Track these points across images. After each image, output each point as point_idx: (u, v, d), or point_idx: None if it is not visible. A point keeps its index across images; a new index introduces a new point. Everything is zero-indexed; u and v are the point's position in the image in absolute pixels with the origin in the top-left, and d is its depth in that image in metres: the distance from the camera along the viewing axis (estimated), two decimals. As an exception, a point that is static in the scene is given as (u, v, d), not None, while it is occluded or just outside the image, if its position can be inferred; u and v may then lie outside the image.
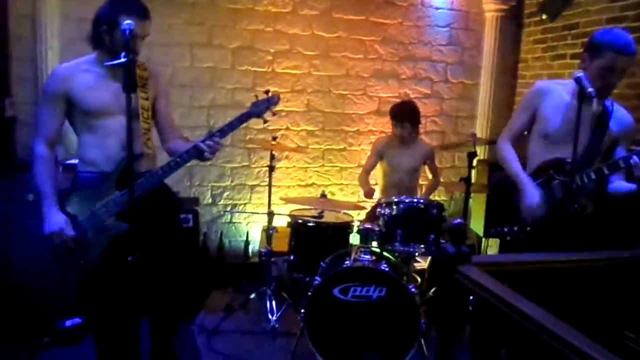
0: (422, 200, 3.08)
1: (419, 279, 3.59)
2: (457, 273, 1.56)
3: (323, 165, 4.45)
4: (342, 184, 4.51)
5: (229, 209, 4.26)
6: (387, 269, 2.74)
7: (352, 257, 2.88)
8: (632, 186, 2.18)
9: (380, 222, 3.01)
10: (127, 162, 2.22)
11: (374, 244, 3.05)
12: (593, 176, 2.16)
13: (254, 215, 4.28)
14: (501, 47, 4.57)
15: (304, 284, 3.52)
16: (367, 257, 2.87)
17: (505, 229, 2.44)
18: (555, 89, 2.38)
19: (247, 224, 4.33)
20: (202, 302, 3.57)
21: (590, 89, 2.00)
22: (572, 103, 2.28)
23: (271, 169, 3.45)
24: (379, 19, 4.32)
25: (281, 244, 3.71)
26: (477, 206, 4.08)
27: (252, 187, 4.30)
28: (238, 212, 4.25)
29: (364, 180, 3.90)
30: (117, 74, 2.21)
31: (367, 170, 3.94)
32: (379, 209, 3.06)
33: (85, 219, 2.18)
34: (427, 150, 3.90)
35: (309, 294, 2.93)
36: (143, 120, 2.34)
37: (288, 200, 3.59)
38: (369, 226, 2.97)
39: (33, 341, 3.01)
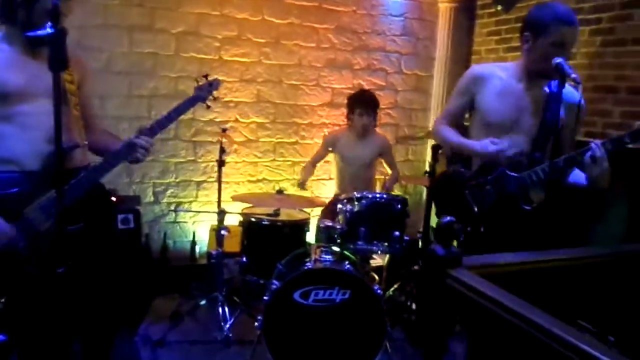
0: (384, 196, 2.91)
1: (377, 278, 3.44)
2: (448, 277, 1.39)
3: (274, 160, 4.21)
4: (294, 179, 4.27)
5: (173, 207, 3.93)
6: (351, 270, 2.55)
7: (313, 258, 2.67)
8: (582, 179, 2.02)
9: (341, 219, 2.82)
10: (57, 156, 1.93)
11: (333, 242, 2.86)
12: (541, 174, 1.99)
13: (200, 214, 3.98)
14: (455, 38, 4.49)
15: (258, 287, 3.31)
16: (329, 257, 2.67)
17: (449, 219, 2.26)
18: (495, 74, 2.18)
19: (193, 224, 4.02)
20: (145, 309, 3.25)
21: (574, 75, 1.87)
22: (513, 87, 2.14)
23: (221, 163, 3.18)
24: (332, 6, 4.11)
25: (232, 244, 3.46)
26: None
27: (199, 183, 4.00)
28: (186, 210, 3.93)
29: (307, 170, 3.76)
30: (34, 52, 1.91)
31: (314, 161, 3.79)
32: (339, 205, 2.87)
33: (15, 226, 1.84)
34: (382, 143, 3.76)
35: (266, 298, 2.70)
36: (73, 106, 2.02)
37: (241, 199, 3.32)
38: (330, 224, 2.77)
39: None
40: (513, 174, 2.04)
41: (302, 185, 3.69)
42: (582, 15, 3.44)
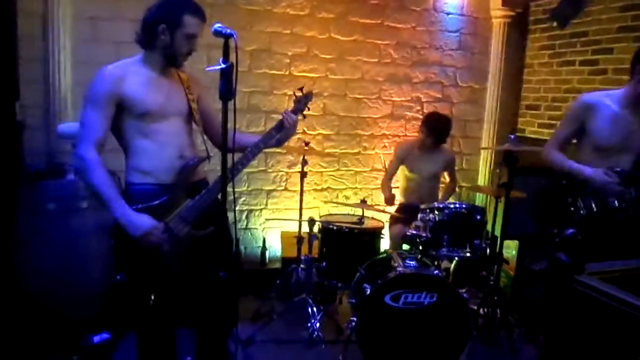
0: (464, 205, 3.09)
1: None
2: (575, 282, 1.57)
3: (338, 169, 4.42)
4: (356, 187, 4.49)
5: (244, 215, 4.16)
6: (439, 274, 2.74)
7: (399, 263, 2.86)
8: None
9: (424, 228, 3.01)
10: (190, 169, 2.17)
11: (405, 247, 3.05)
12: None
13: (270, 221, 4.21)
14: (508, 52, 4.66)
15: (333, 290, 3.51)
16: (413, 262, 2.86)
17: (555, 231, 2.48)
18: (603, 102, 2.43)
19: (262, 230, 4.24)
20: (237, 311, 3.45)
21: None
22: (621, 113, 2.37)
23: (303, 174, 3.39)
24: (393, 23, 4.32)
25: (292, 250, 3.65)
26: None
27: (269, 192, 4.22)
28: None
29: (386, 185, 3.90)
30: (168, 75, 2.16)
31: (390, 175, 3.94)
32: (421, 215, 3.06)
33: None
34: (448, 157, 3.94)
35: (353, 301, 2.91)
36: (197, 123, 2.27)
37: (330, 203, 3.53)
38: (415, 232, 2.97)
39: (59, 359, 2.84)
40: (616, 187, 2.24)
41: (389, 201, 3.81)
42: (639, 33, 3.60)
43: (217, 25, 1.79)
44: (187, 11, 2.03)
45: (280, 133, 2.32)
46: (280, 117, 2.36)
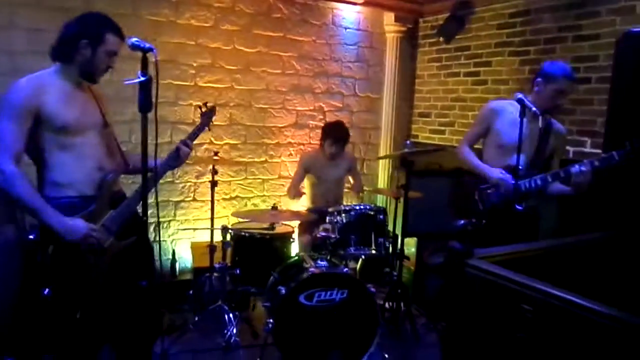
0: (368, 207, 3.33)
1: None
2: (467, 266, 1.81)
3: (246, 178, 4.50)
4: (264, 195, 4.60)
5: (153, 227, 4.09)
6: (348, 272, 2.93)
7: (310, 264, 3.01)
8: (567, 189, 2.66)
9: (332, 229, 3.19)
10: (111, 181, 2.18)
11: (326, 250, 3.22)
12: (539, 182, 2.63)
13: (179, 232, 4.19)
14: (400, 64, 5.04)
15: (246, 296, 3.59)
16: (324, 262, 3.03)
17: (467, 222, 2.83)
18: (506, 108, 2.84)
19: (172, 242, 4.21)
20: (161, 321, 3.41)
21: (534, 109, 2.42)
22: (518, 119, 2.73)
23: (214, 184, 3.44)
24: (295, 36, 4.51)
25: (203, 260, 3.69)
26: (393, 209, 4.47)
27: (177, 203, 4.20)
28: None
29: (292, 192, 4.07)
30: (82, 89, 2.18)
31: (295, 184, 4.11)
32: (329, 217, 3.24)
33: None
34: (350, 160, 4.20)
35: (267, 305, 3.01)
36: (114, 137, 2.30)
37: (241, 215, 3.60)
38: (325, 234, 3.14)
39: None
40: (511, 181, 2.60)
41: (296, 197, 4.08)
42: (513, 48, 4.11)
43: (134, 39, 1.86)
44: (108, 29, 2.11)
45: (175, 162, 2.40)
46: (185, 127, 2.45)
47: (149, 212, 4.05)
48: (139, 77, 1.81)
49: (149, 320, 2.37)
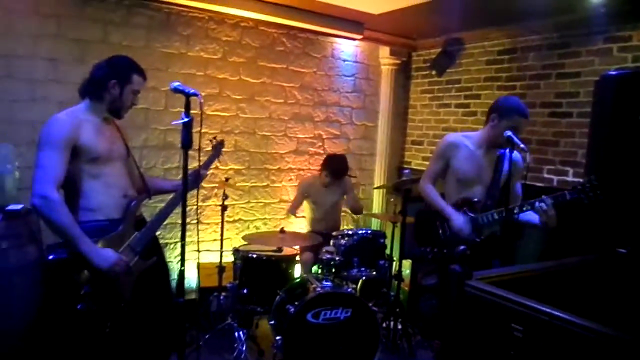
0: (369, 231, 3.56)
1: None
2: (466, 286, 2.04)
3: (249, 202, 4.71)
4: (265, 218, 4.81)
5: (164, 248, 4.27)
6: (352, 292, 3.14)
7: (316, 285, 3.21)
8: (535, 220, 2.73)
9: (336, 252, 3.41)
10: (135, 207, 2.40)
11: (329, 271, 3.43)
12: (495, 216, 2.75)
13: (186, 254, 4.35)
14: (395, 95, 5.33)
15: (250, 315, 3.75)
16: (329, 283, 3.23)
17: (427, 249, 2.99)
18: (463, 143, 2.94)
19: (177, 262, 4.38)
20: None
21: (522, 145, 2.63)
22: (476, 152, 2.91)
23: (224, 208, 3.64)
24: (297, 68, 4.78)
25: (210, 280, 3.88)
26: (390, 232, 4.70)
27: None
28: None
29: (291, 212, 4.32)
30: (109, 122, 2.40)
31: (293, 210, 4.35)
32: (334, 240, 3.46)
33: None
34: (346, 184, 4.44)
35: (272, 322, 3.19)
36: (137, 166, 2.52)
37: (249, 238, 3.77)
38: (329, 256, 3.35)
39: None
40: (470, 214, 2.80)
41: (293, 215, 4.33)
42: (501, 82, 4.41)
43: (176, 84, 2.08)
44: (134, 70, 2.39)
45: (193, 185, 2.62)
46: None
47: (157, 233, 4.26)
48: (183, 118, 2.03)
49: (172, 335, 2.55)
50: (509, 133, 2.67)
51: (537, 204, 2.60)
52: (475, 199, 2.85)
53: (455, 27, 4.58)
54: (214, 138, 3.14)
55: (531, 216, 2.77)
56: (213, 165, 4.35)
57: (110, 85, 2.31)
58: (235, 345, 3.41)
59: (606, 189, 2.50)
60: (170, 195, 2.64)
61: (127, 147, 2.51)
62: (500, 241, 2.87)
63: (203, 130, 3.94)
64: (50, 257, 3.16)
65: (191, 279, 4.39)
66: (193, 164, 2.48)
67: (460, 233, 2.80)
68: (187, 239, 4.37)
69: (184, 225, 2.20)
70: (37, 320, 3.00)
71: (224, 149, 4.44)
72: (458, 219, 2.83)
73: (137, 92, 2.40)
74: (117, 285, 2.25)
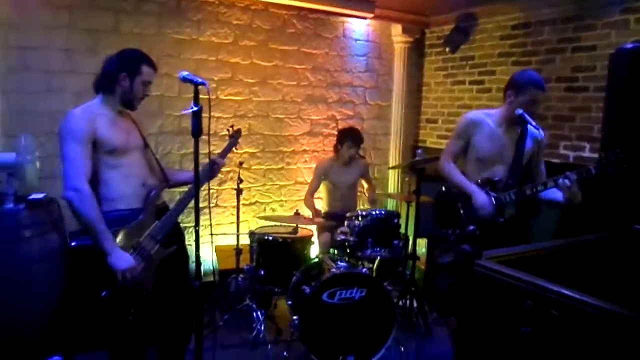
0: (382, 212, 3.58)
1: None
2: (475, 266, 2.06)
3: (264, 185, 4.76)
4: (282, 200, 4.87)
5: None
6: (366, 272, 3.19)
7: (331, 265, 3.27)
8: (558, 197, 2.67)
9: (350, 233, 3.45)
10: (155, 197, 2.45)
11: (344, 251, 3.48)
12: (514, 196, 2.70)
13: (203, 237, 4.44)
14: (408, 73, 5.29)
15: (269, 296, 3.83)
16: (344, 263, 3.28)
17: (449, 231, 2.97)
18: (484, 120, 2.89)
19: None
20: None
21: (533, 123, 2.61)
22: (496, 130, 2.86)
23: (239, 191, 3.70)
24: (308, 50, 4.77)
25: (228, 262, 3.97)
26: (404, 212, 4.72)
27: (200, 209, 4.43)
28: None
29: (310, 203, 4.31)
30: (123, 115, 2.44)
31: (312, 192, 4.35)
32: (348, 222, 3.50)
33: (137, 252, 2.34)
34: (363, 165, 4.45)
35: (290, 303, 3.26)
36: (155, 156, 2.57)
37: (265, 218, 3.85)
38: (344, 237, 3.39)
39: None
40: (493, 193, 2.78)
41: (316, 216, 4.24)
42: (515, 58, 4.35)
43: (185, 73, 2.11)
44: (143, 62, 2.41)
45: (211, 174, 2.71)
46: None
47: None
48: (192, 107, 2.07)
49: (192, 318, 2.63)
50: (520, 111, 2.66)
51: (560, 180, 2.53)
52: (497, 179, 2.82)
53: (468, 2, 4.50)
54: (231, 127, 3.18)
55: (555, 194, 2.70)
56: (229, 151, 4.49)
57: (121, 77, 2.35)
58: (254, 325, 3.51)
59: (633, 162, 2.40)
60: (189, 186, 2.70)
61: (144, 138, 2.55)
62: (519, 222, 2.84)
63: (217, 115, 4.05)
64: (73, 243, 3.28)
65: (208, 262, 4.48)
66: (205, 150, 2.53)
67: (484, 211, 2.74)
68: (205, 223, 4.48)
69: (197, 211, 2.26)
70: (61, 307, 3.12)
71: (238, 134, 4.50)
72: (481, 196, 2.76)
73: (147, 83, 2.43)
74: (139, 276, 2.32)
